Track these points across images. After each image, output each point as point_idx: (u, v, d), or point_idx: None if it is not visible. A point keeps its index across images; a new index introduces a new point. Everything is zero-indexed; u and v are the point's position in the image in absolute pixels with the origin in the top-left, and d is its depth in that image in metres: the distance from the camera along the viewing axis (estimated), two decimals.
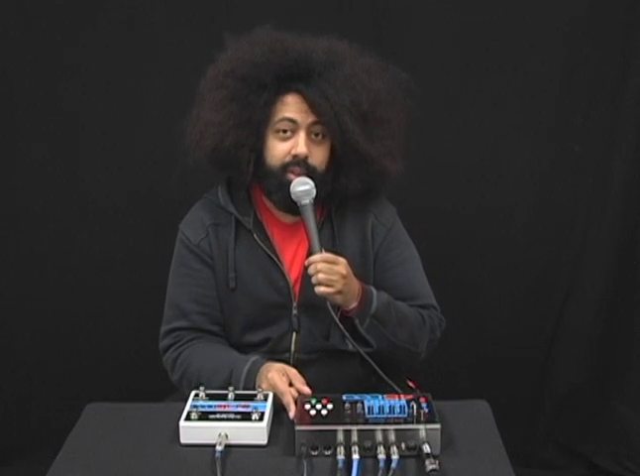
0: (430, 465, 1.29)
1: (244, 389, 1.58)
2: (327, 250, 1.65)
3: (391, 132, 1.73)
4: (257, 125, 1.67)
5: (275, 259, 1.74)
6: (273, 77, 1.65)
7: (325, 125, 1.68)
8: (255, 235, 1.75)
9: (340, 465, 1.31)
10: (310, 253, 1.64)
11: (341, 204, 1.78)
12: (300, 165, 1.67)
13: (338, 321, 1.62)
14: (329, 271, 1.60)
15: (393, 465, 1.31)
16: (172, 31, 2.32)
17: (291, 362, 1.72)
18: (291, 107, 1.67)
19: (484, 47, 2.35)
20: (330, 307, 1.62)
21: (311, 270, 1.61)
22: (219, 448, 1.36)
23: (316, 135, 1.69)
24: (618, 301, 2.54)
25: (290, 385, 1.53)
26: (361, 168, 1.71)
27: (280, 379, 1.54)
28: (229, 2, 2.32)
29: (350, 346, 1.66)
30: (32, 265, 2.53)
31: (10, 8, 2.33)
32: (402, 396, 1.45)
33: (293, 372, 1.57)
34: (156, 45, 2.33)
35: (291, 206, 1.69)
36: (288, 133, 1.68)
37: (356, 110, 1.66)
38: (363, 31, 2.30)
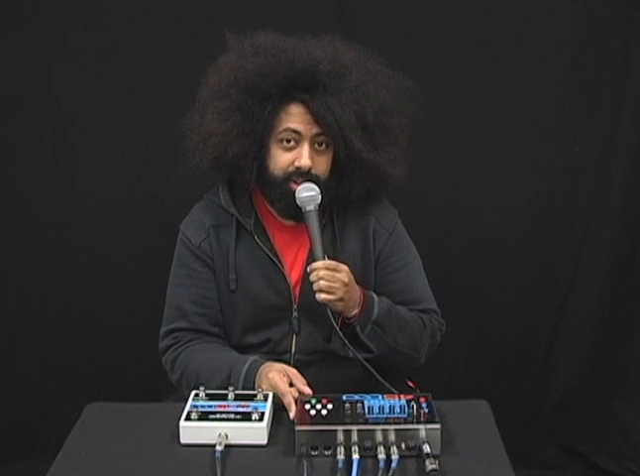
0: (430, 465, 1.29)
1: (243, 388, 1.58)
2: (329, 257, 1.65)
3: (395, 139, 1.72)
4: (260, 134, 1.66)
5: (276, 261, 1.74)
6: (278, 88, 1.63)
7: (329, 137, 1.67)
8: (255, 237, 1.75)
9: (340, 465, 1.31)
10: (312, 259, 1.64)
11: (342, 208, 1.78)
12: (303, 175, 1.67)
13: (338, 329, 1.63)
14: (331, 278, 1.60)
15: (393, 465, 1.30)
16: (174, 31, 2.32)
17: (291, 363, 1.72)
18: (296, 118, 1.66)
19: (485, 47, 2.35)
20: (330, 315, 1.62)
21: (313, 277, 1.61)
22: (219, 448, 1.36)
23: (319, 144, 1.68)
24: (618, 301, 2.54)
25: (291, 385, 1.53)
26: (364, 174, 1.71)
27: (281, 379, 1.54)
28: (230, 2, 2.32)
29: (350, 353, 1.66)
30: (31, 265, 2.52)
31: (10, 8, 2.33)
32: (402, 396, 1.44)
33: (294, 372, 1.57)
34: (157, 45, 2.32)
35: (294, 214, 1.69)
36: (292, 143, 1.67)
37: (361, 122, 1.65)
38: (363, 31, 2.31)
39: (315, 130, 1.66)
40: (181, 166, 1.70)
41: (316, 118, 1.65)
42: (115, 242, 2.48)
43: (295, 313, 1.75)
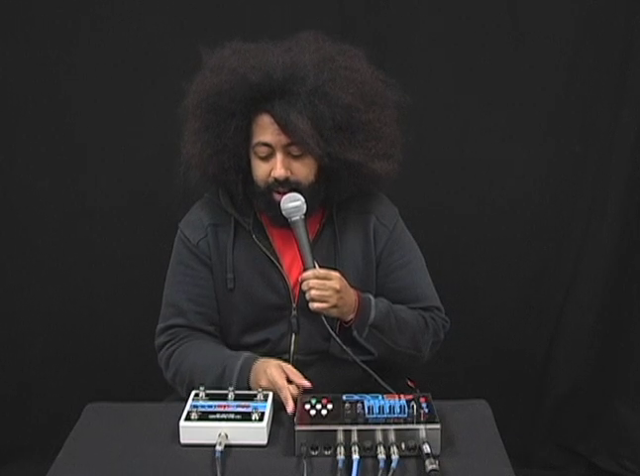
0: (430, 465, 1.29)
1: (237, 384, 1.58)
2: (320, 265, 1.66)
3: (375, 133, 1.68)
4: (234, 149, 1.67)
5: (275, 260, 1.74)
6: (238, 104, 1.64)
7: (298, 144, 1.65)
8: (254, 236, 1.75)
9: (340, 465, 1.31)
10: (304, 268, 1.64)
11: (342, 206, 1.77)
12: (283, 185, 1.67)
13: (335, 335, 1.63)
14: (321, 287, 1.61)
15: (393, 465, 1.31)
16: (175, 31, 2.32)
17: (291, 363, 1.71)
18: (265, 130, 1.65)
19: (486, 46, 2.36)
20: (325, 322, 1.62)
21: (304, 286, 1.62)
22: (219, 448, 1.36)
23: (296, 151, 1.67)
24: (618, 301, 2.54)
25: (289, 382, 1.53)
26: (350, 173, 1.69)
27: (279, 374, 1.54)
28: (231, 4, 2.32)
29: (349, 357, 1.65)
30: (31, 265, 2.52)
31: (10, 9, 2.33)
32: (402, 396, 1.45)
33: (289, 367, 1.58)
34: (157, 45, 2.32)
35: (283, 223, 1.69)
36: (267, 154, 1.67)
37: (324, 125, 1.62)
38: (363, 29, 2.31)
39: (285, 140, 1.65)
40: (181, 164, 1.72)
41: (281, 128, 1.64)
42: (115, 241, 2.49)
43: (294, 312, 1.74)
